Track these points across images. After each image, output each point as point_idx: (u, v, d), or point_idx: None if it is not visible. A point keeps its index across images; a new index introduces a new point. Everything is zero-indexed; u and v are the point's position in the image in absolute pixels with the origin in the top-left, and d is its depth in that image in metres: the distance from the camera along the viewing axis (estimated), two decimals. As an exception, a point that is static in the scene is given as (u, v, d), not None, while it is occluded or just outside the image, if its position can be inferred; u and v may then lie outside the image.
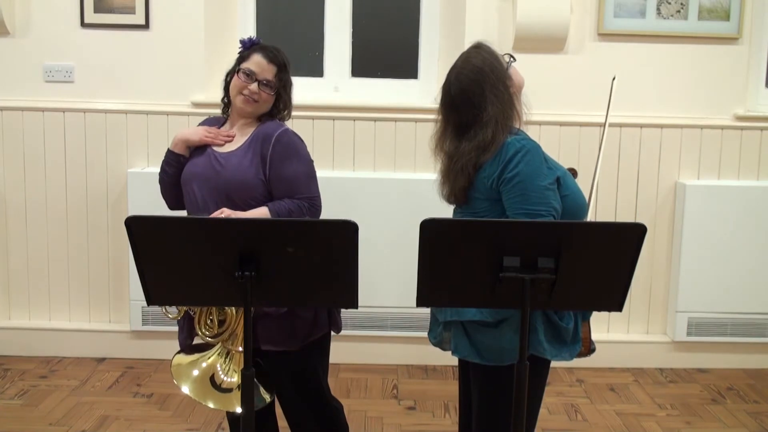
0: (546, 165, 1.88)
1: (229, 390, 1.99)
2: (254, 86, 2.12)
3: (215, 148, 2.15)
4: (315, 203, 2.13)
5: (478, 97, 1.90)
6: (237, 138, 2.16)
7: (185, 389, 1.98)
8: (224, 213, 1.99)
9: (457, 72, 1.95)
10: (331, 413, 2.25)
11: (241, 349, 1.99)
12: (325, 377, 2.25)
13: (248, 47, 2.19)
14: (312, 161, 2.17)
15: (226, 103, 2.24)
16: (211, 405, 1.98)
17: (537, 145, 1.89)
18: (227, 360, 2.02)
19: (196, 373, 2.01)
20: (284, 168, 2.08)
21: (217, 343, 2.03)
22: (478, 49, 1.97)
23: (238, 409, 1.94)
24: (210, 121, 2.29)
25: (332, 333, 2.22)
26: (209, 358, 2.03)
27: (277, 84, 2.15)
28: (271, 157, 2.08)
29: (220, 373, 2.00)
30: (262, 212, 2.05)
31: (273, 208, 2.06)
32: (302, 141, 2.17)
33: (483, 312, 1.87)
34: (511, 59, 1.99)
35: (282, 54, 2.19)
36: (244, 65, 2.14)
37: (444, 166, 2.00)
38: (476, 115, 1.90)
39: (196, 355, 2.05)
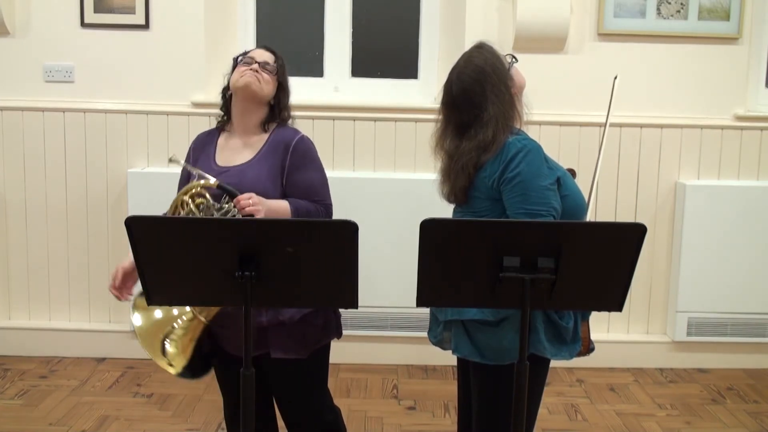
0: (547, 165, 1.88)
1: (169, 349, 2.04)
2: (255, 66, 2.09)
3: (220, 164, 2.11)
4: (329, 210, 2.14)
5: (479, 97, 1.91)
6: (243, 149, 2.13)
7: (136, 320, 2.05)
8: (252, 198, 1.94)
9: (459, 71, 1.95)
10: (332, 417, 2.24)
11: (203, 318, 1.99)
12: (326, 381, 2.25)
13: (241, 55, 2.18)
14: (324, 168, 2.17)
15: (226, 117, 2.20)
16: (149, 353, 2.05)
17: (538, 145, 1.90)
18: (188, 322, 2.03)
19: (156, 316, 2.06)
20: (300, 175, 2.09)
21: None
22: (480, 49, 1.97)
23: (171, 370, 2.03)
24: (202, 138, 2.23)
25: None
26: (174, 311, 2.04)
27: (277, 69, 2.12)
28: (288, 165, 2.08)
29: (176, 328, 2.04)
30: (283, 205, 2.03)
31: (293, 203, 2.05)
32: (314, 146, 2.17)
33: (484, 311, 1.87)
34: (513, 60, 1.99)
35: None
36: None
37: (444, 165, 2.00)
38: (477, 114, 1.91)
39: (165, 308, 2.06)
